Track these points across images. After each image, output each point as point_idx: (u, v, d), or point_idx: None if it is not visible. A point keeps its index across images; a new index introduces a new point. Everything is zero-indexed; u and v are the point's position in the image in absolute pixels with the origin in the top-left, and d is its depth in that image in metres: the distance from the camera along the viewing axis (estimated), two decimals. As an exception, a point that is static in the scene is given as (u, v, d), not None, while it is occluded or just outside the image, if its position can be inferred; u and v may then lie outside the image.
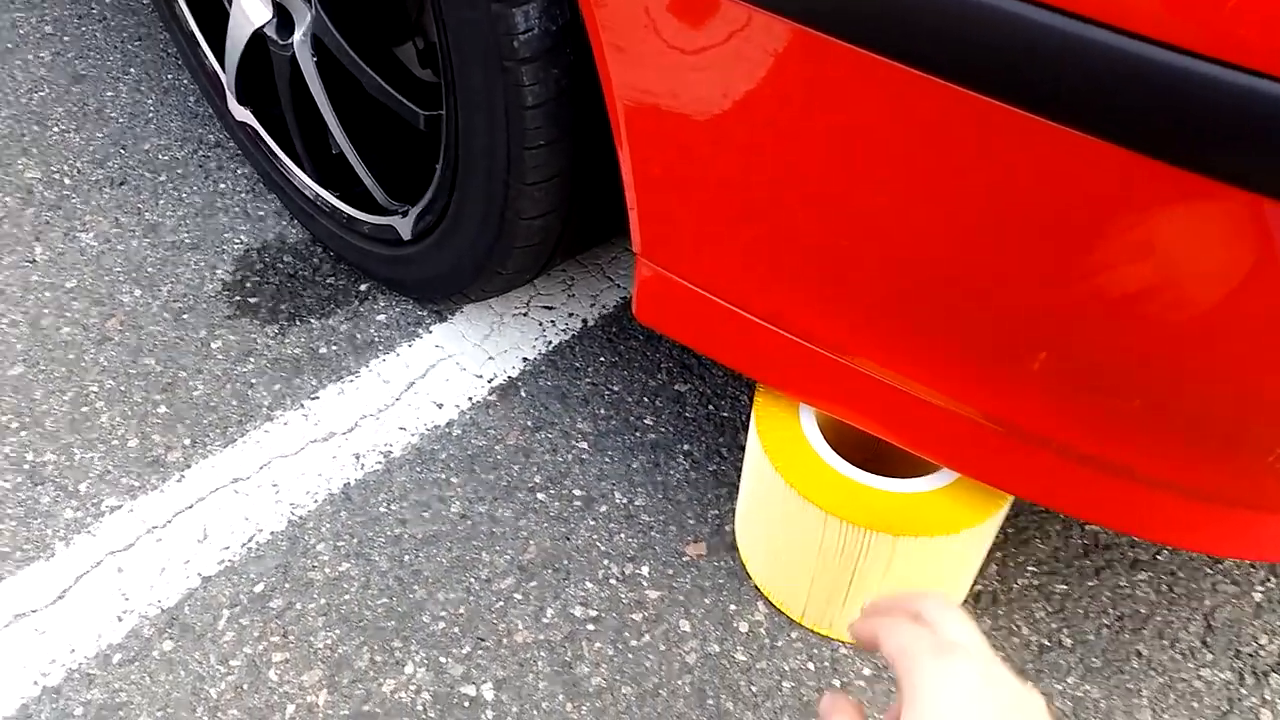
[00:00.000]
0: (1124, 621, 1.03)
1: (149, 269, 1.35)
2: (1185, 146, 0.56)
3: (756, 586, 1.04)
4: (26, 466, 1.15)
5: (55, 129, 1.54)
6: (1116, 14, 0.54)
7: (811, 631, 1.01)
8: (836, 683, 0.98)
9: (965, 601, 1.04)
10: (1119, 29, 0.54)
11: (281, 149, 1.30)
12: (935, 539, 0.87)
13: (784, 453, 0.91)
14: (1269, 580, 1.06)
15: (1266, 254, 0.59)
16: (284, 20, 1.13)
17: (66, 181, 1.47)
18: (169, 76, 1.63)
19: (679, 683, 0.98)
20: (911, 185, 0.69)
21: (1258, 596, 1.05)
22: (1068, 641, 1.01)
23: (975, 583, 1.05)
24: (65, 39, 1.69)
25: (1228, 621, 1.03)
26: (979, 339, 0.75)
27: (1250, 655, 1.00)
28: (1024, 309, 0.70)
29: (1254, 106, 0.52)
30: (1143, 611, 1.04)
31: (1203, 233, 0.60)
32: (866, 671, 0.99)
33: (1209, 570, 1.07)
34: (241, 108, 1.30)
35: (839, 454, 0.92)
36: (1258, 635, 1.02)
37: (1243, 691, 0.98)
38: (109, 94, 1.60)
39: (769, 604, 1.03)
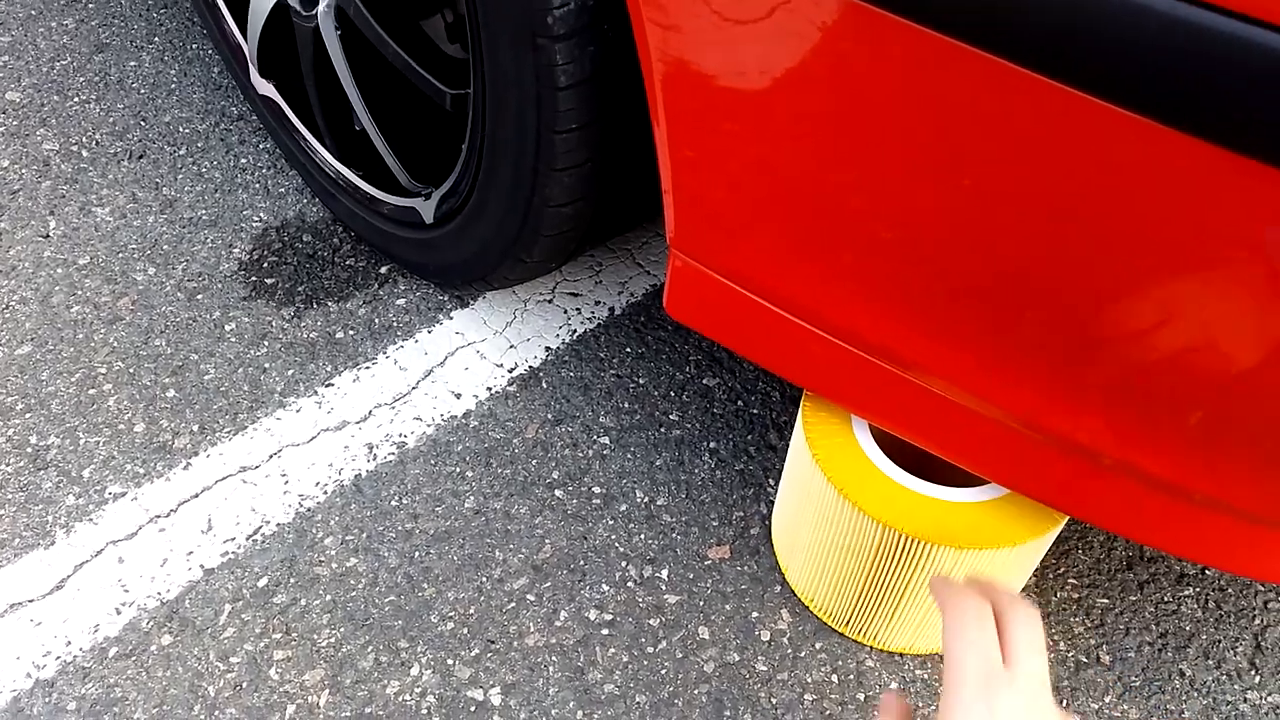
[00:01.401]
0: (1167, 639, 0.98)
1: (164, 246, 1.32)
2: None
3: (784, 593, 1.00)
4: (29, 450, 1.11)
5: (75, 99, 1.51)
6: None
7: (839, 642, 0.96)
8: (861, 697, 0.93)
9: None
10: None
11: (304, 124, 1.26)
12: (995, 551, 0.82)
13: (835, 460, 0.86)
14: (1326, 605, 1.01)
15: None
16: (305, -9, 1.09)
17: (84, 154, 1.43)
18: (193, 46, 1.59)
19: (695, 692, 0.94)
20: (980, 176, 0.64)
21: (1314, 622, 0.99)
22: (1106, 659, 0.96)
23: (1012, 598, 1.00)
24: (89, 6, 1.66)
25: (1277, 642, 0.97)
26: (1040, 348, 0.70)
27: (1305, 685, 0.95)
28: (1090, 318, 0.65)
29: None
30: (1187, 629, 0.98)
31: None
32: (893, 685, 0.94)
33: (1260, 588, 1.02)
34: (264, 80, 1.26)
35: (885, 455, 0.87)
36: (1313, 664, 0.96)
37: (1297, 724, 0.93)
38: (131, 63, 1.56)
39: (793, 612, 0.99)
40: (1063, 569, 1.03)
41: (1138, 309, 0.63)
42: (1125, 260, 0.61)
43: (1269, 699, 0.94)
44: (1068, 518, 0.86)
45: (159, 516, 1.06)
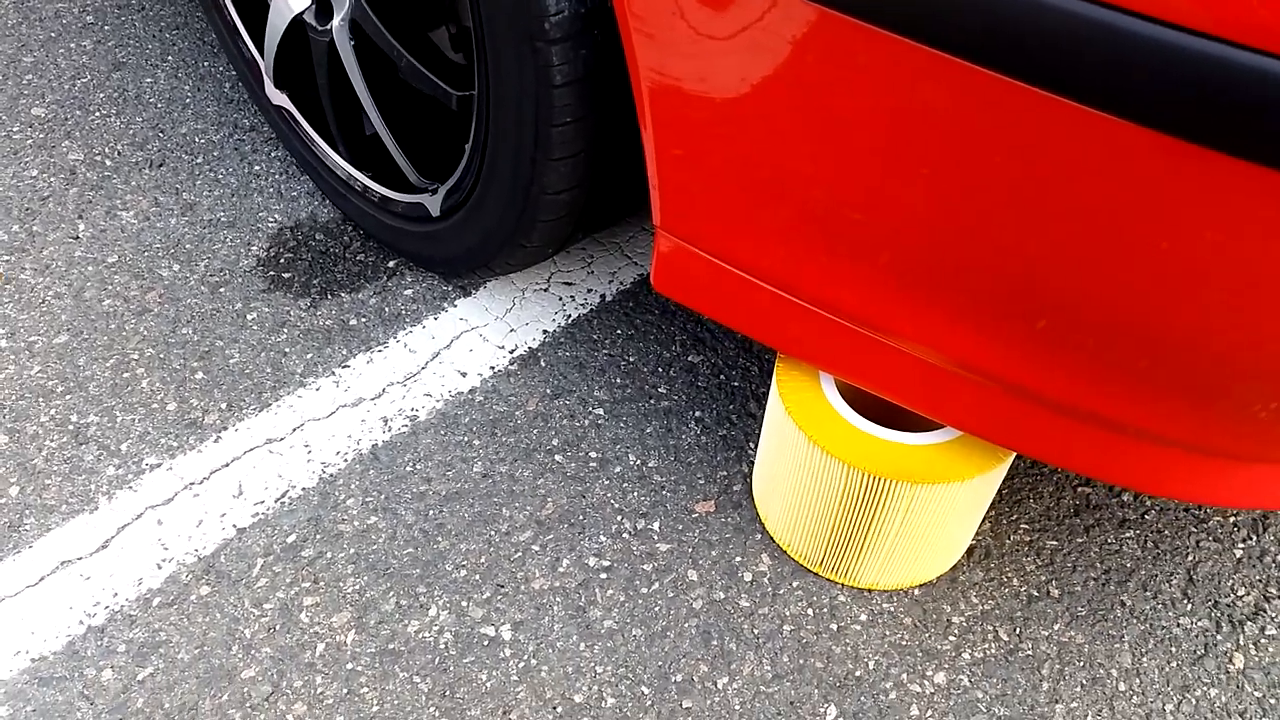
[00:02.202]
0: (1110, 575, 1.09)
1: (187, 245, 1.42)
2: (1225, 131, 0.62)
3: (763, 540, 1.10)
4: (71, 427, 1.21)
5: (97, 114, 1.62)
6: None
7: (813, 581, 1.07)
8: (834, 627, 1.04)
9: (963, 555, 1.10)
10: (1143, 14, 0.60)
11: (316, 131, 1.37)
12: (949, 485, 0.93)
13: (806, 412, 0.97)
14: (1250, 538, 1.12)
15: (1248, 221, 0.65)
16: (322, 7, 1.20)
17: (108, 163, 1.54)
18: (205, 64, 1.71)
19: (686, 626, 1.04)
20: (921, 161, 0.75)
21: (1239, 552, 1.11)
22: (1055, 592, 1.07)
23: (972, 539, 1.11)
24: (105, 28, 1.77)
25: (1208, 575, 1.09)
26: (986, 306, 0.81)
27: (1228, 605, 1.06)
28: (1030, 278, 0.76)
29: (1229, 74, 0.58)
30: (1128, 566, 1.10)
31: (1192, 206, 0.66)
32: (863, 617, 1.05)
33: (1193, 529, 1.13)
34: (278, 92, 1.37)
35: (850, 407, 0.98)
36: (1236, 587, 1.08)
37: (1218, 638, 1.04)
38: (148, 80, 1.67)
39: (772, 556, 1.09)
40: (1015, 515, 1.14)
41: (1063, 267, 0.74)
42: (1052, 224, 0.72)
43: (1199, 624, 1.05)
44: (1014, 456, 0.97)
45: (193, 483, 1.16)
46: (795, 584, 1.07)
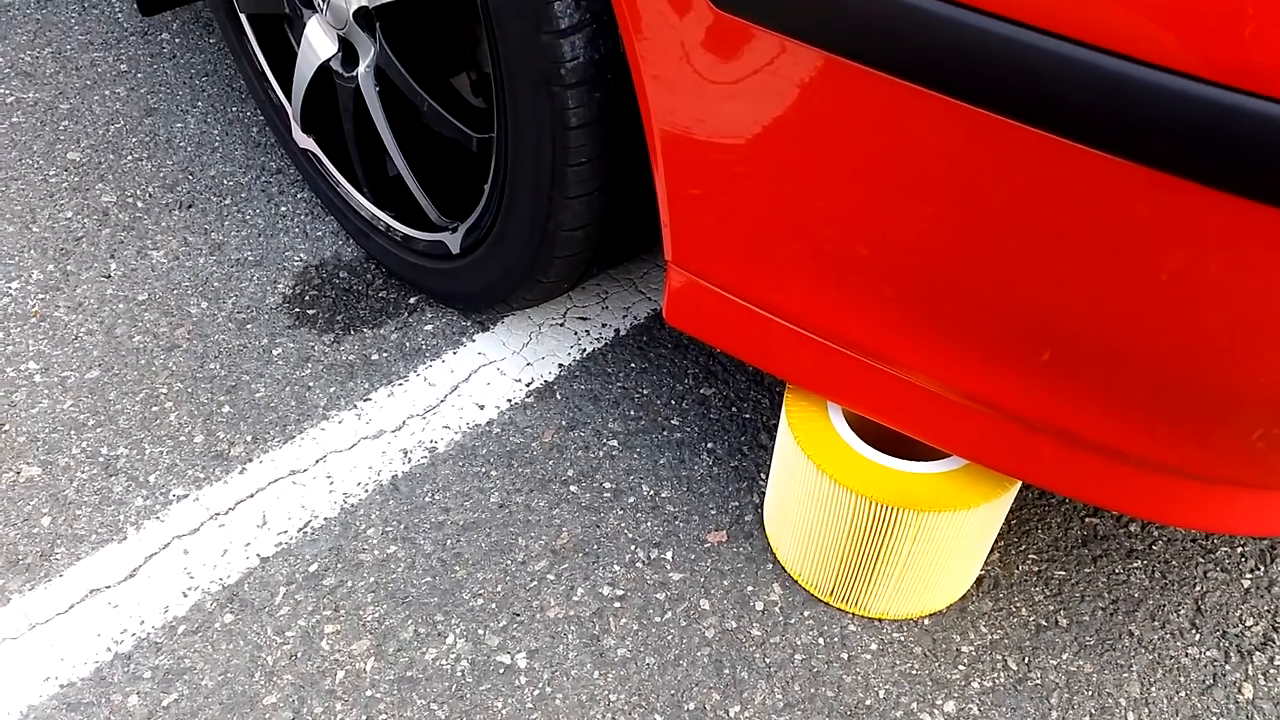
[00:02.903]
0: (1118, 604, 1.10)
1: (215, 283, 1.47)
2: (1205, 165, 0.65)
3: (775, 570, 1.12)
4: (101, 459, 1.25)
5: (129, 157, 1.67)
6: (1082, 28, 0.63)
7: (824, 610, 1.09)
8: (845, 656, 1.05)
9: (972, 585, 1.11)
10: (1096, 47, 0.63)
11: (341, 173, 1.42)
12: (956, 513, 0.95)
13: (815, 442, 1.00)
14: (1258, 568, 1.13)
15: (1242, 255, 0.67)
16: (349, 54, 1.25)
17: (139, 205, 1.59)
18: (233, 109, 1.77)
19: (698, 654, 1.06)
20: (924, 199, 0.78)
21: (1246, 582, 1.12)
22: (1064, 622, 1.08)
23: (981, 569, 1.12)
24: (139, 75, 1.84)
25: (1216, 605, 1.10)
26: (991, 339, 0.83)
27: (1236, 635, 1.07)
28: (1034, 312, 0.79)
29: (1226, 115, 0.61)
30: (1136, 596, 1.11)
31: (1189, 240, 0.68)
32: (874, 646, 1.06)
33: (1201, 559, 1.14)
34: (305, 135, 1.42)
35: (858, 436, 1.01)
36: (1245, 617, 1.08)
37: (1227, 668, 1.04)
38: (178, 125, 1.73)
39: (783, 585, 1.11)
40: (1024, 545, 1.15)
41: (1066, 304, 0.77)
42: (1053, 260, 0.75)
43: (1207, 654, 1.06)
44: (1020, 485, 0.99)
45: (219, 514, 1.19)
46: (806, 613, 1.09)
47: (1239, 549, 1.15)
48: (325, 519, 1.19)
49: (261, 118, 1.75)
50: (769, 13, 0.76)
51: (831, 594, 1.08)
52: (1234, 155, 0.63)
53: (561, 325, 1.41)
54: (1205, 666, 1.05)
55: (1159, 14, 0.61)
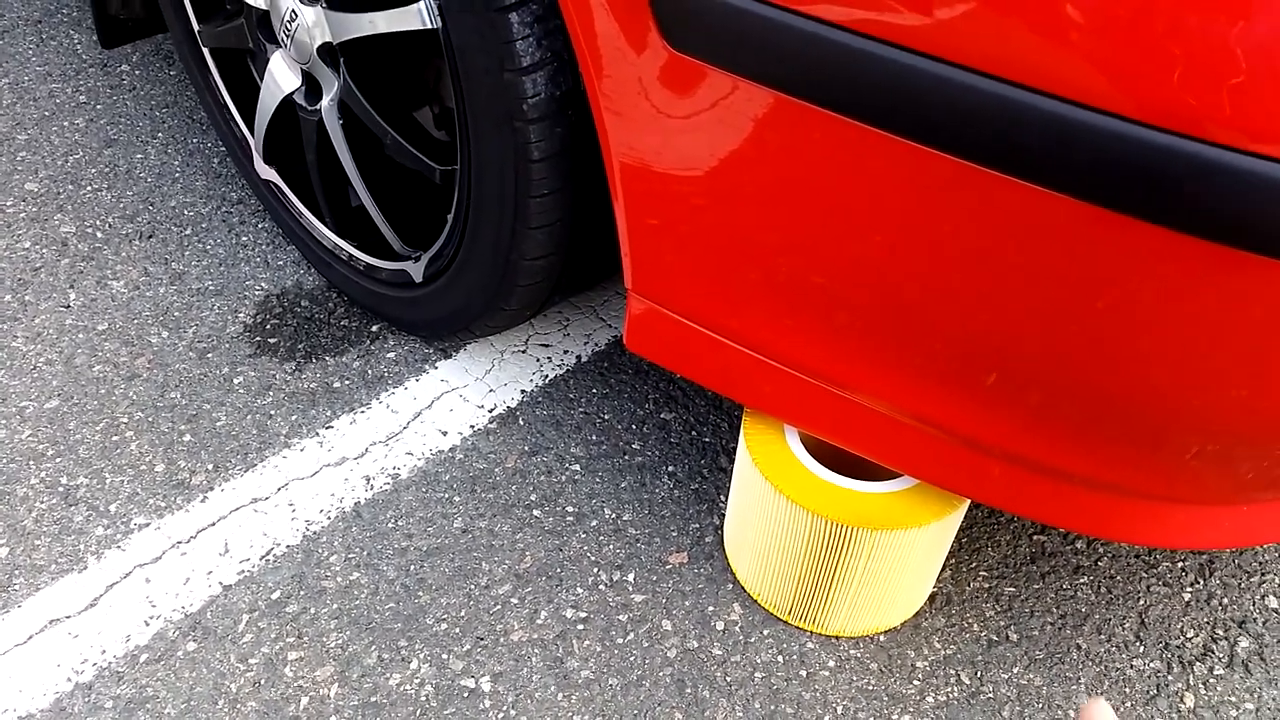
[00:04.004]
0: (1066, 619, 1.14)
1: (175, 313, 1.47)
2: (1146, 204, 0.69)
3: (735, 590, 1.15)
4: (61, 489, 1.25)
5: (88, 188, 1.67)
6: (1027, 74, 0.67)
7: (783, 629, 1.11)
8: (804, 673, 1.08)
9: (925, 602, 1.14)
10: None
11: (303, 203, 1.43)
12: (908, 531, 0.98)
13: (772, 464, 1.03)
14: (1198, 582, 1.17)
15: (1168, 285, 0.71)
16: (312, 88, 1.27)
17: (99, 235, 1.59)
18: (194, 140, 1.77)
19: (661, 674, 1.08)
20: (871, 230, 0.81)
21: (1187, 596, 1.16)
22: (1014, 637, 1.12)
23: (933, 586, 1.15)
24: (98, 106, 1.84)
25: (1159, 618, 1.14)
26: (939, 363, 0.87)
27: (1178, 647, 1.11)
28: (978, 338, 0.82)
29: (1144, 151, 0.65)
30: (1083, 610, 1.14)
31: (1130, 272, 0.72)
32: (831, 663, 1.09)
33: (1144, 574, 1.18)
34: (267, 167, 1.43)
35: (814, 458, 1.04)
36: (1185, 630, 1.13)
37: (1169, 678, 1.08)
38: (138, 156, 1.74)
39: (743, 605, 1.13)
40: (975, 563, 1.19)
41: (1010, 332, 0.80)
42: (997, 290, 0.78)
43: (1151, 665, 1.10)
44: (968, 502, 1.03)
45: (180, 542, 1.19)
46: (766, 632, 1.11)
47: (1179, 564, 1.20)
48: (288, 546, 1.19)
49: (222, 148, 1.76)
50: (721, 54, 0.79)
51: (790, 612, 1.11)
52: (1164, 191, 0.67)
53: (524, 352, 1.43)
54: (1149, 677, 1.09)
55: (1098, 60, 0.64)
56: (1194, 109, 0.63)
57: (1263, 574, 1.19)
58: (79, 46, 1.99)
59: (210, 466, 1.28)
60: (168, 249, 1.57)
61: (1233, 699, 1.07)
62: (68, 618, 1.12)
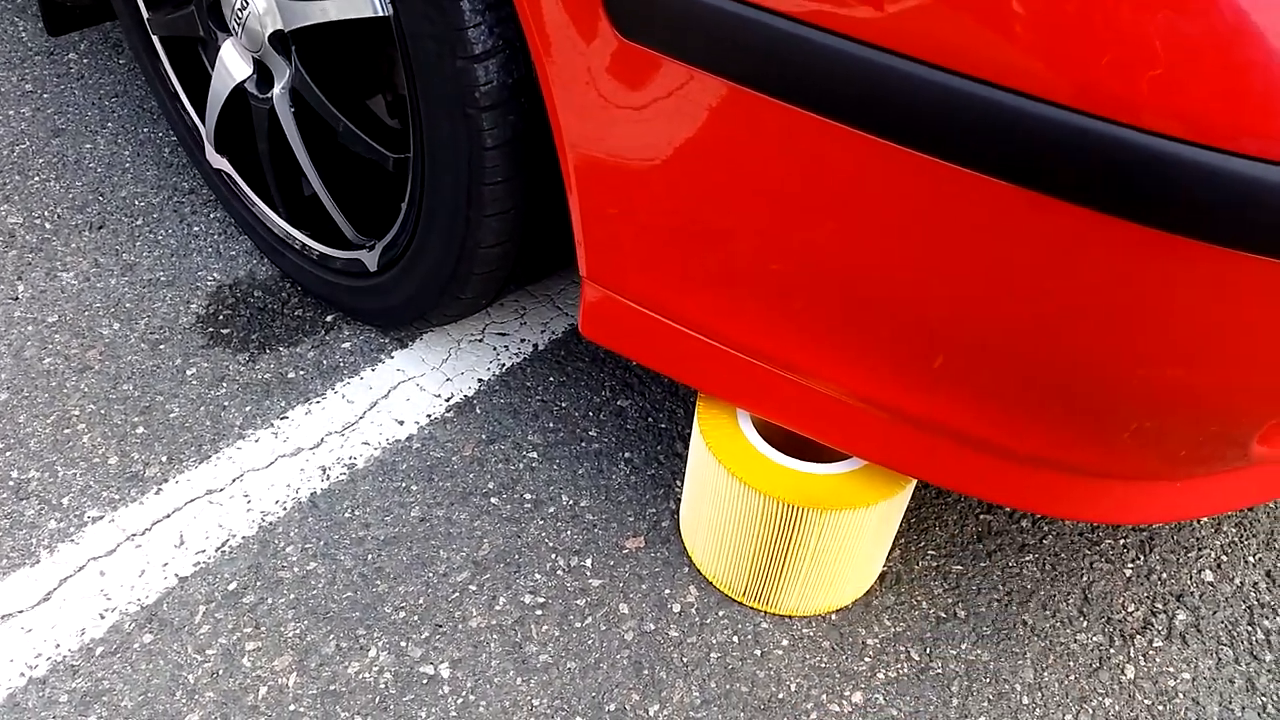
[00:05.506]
0: (1011, 596, 1.17)
1: (127, 304, 1.46)
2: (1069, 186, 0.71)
3: (691, 573, 1.16)
4: (11, 483, 1.23)
5: (36, 178, 1.65)
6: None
7: (738, 610, 1.13)
8: (758, 652, 1.10)
9: (875, 581, 1.17)
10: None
11: (255, 193, 1.43)
12: (857, 511, 1.00)
13: (725, 447, 1.04)
14: (1139, 558, 1.21)
15: (1107, 269, 0.73)
16: (264, 76, 1.26)
17: (48, 226, 1.57)
18: (145, 130, 1.75)
19: (618, 657, 1.09)
20: (818, 216, 0.83)
21: (1129, 571, 1.20)
22: (962, 614, 1.15)
23: (883, 565, 1.18)
24: (45, 96, 1.81)
25: (1101, 593, 1.17)
26: (887, 346, 0.89)
27: (1120, 621, 1.15)
28: (924, 321, 0.84)
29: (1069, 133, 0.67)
30: (1028, 587, 1.18)
31: (1053, 253, 0.74)
32: (784, 642, 1.11)
33: (1087, 551, 1.22)
34: (219, 156, 1.42)
35: (766, 441, 1.06)
36: (1127, 604, 1.16)
37: (1111, 651, 1.12)
38: (87, 146, 1.71)
39: (699, 587, 1.15)
40: (923, 542, 1.21)
41: (956, 315, 0.82)
42: (941, 274, 0.80)
43: (1094, 639, 1.13)
44: (915, 482, 1.05)
45: (135, 535, 1.18)
46: (721, 613, 1.13)
47: (1121, 540, 1.23)
48: (244, 538, 1.19)
49: (173, 138, 1.74)
50: (667, 42, 0.80)
51: (744, 593, 1.13)
52: (1104, 177, 0.69)
53: (480, 341, 1.43)
54: (1092, 651, 1.12)
55: (1040, 50, 0.66)
56: (1115, 93, 0.65)
57: (1199, 549, 1.23)
58: (24, 34, 1.95)
59: (164, 458, 1.27)
60: (118, 240, 1.56)
61: (1170, 669, 1.11)
62: (20, 612, 1.11)
